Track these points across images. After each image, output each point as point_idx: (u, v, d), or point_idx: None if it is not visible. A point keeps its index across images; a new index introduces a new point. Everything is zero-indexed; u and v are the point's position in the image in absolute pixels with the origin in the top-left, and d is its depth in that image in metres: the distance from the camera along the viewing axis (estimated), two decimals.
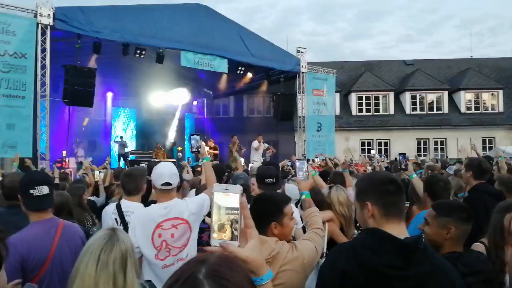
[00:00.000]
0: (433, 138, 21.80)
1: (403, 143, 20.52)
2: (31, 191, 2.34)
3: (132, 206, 3.23)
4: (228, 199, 1.02)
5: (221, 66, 11.68)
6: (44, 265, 2.22)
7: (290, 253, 1.90)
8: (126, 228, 3.15)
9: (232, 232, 1.02)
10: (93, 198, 5.02)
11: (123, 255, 1.72)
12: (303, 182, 2.80)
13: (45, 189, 2.38)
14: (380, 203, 1.60)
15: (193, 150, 3.55)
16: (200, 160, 3.55)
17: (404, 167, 4.45)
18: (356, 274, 1.45)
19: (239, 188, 1.04)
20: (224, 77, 14.33)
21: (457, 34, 77.79)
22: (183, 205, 2.87)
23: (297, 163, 3.09)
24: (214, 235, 1.03)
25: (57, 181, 5.20)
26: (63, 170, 8.96)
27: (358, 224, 2.95)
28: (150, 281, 2.39)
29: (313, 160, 11.29)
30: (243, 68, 12.83)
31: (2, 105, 8.17)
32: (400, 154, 4.59)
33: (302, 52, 13.87)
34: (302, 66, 13.79)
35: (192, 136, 3.60)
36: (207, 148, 12.32)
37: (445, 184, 3.26)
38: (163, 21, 10.42)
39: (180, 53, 10.73)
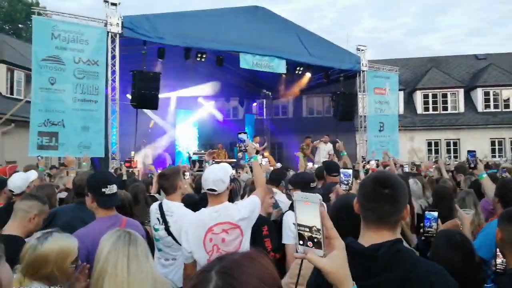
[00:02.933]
0: (510, 138, 20.12)
1: (474, 143, 19.14)
2: (103, 189, 2.55)
3: (172, 206, 3.34)
4: (308, 208, 1.03)
5: (280, 67, 11.71)
6: None
7: None
8: (167, 227, 3.28)
9: (316, 241, 1.01)
10: (157, 195, 5.29)
11: (145, 246, 1.87)
12: None
13: (114, 188, 2.59)
14: (361, 204, 1.52)
15: (241, 148, 3.47)
16: (249, 159, 3.52)
17: (473, 165, 4.08)
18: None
19: (317, 197, 1.03)
20: (283, 77, 14.34)
21: None
22: (234, 209, 2.85)
23: (342, 175, 2.95)
24: (300, 242, 1.04)
25: (124, 177, 5.53)
26: (131, 169, 9.52)
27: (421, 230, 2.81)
28: None
29: (368, 162, 10.88)
30: (301, 68, 12.77)
31: (78, 109, 8.85)
32: (469, 151, 4.14)
33: (362, 50, 13.49)
34: (362, 64, 13.41)
35: (239, 135, 3.49)
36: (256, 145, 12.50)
37: None
38: (222, 25, 10.67)
39: (239, 55, 10.92)
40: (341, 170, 2.94)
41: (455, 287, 1.37)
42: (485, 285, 2.11)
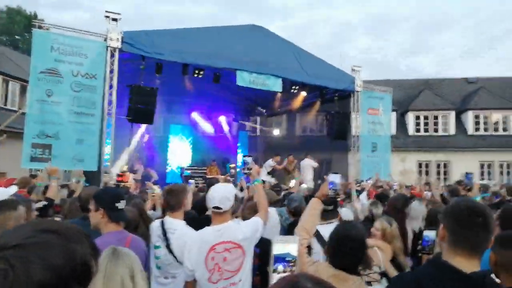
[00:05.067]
0: (499, 161, 20.43)
1: (464, 166, 19.36)
2: (116, 204, 2.58)
3: (174, 224, 3.33)
4: (287, 249, 1.11)
5: (276, 85, 11.83)
6: None
7: None
8: (168, 245, 3.26)
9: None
10: (151, 212, 5.26)
11: (128, 265, 1.78)
12: None
13: (124, 203, 2.62)
14: (451, 231, 1.55)
15: (245, 171, 3.60)
16: (252, 182, 3.58)
17: (469, 188, 4.15)
18: None
19: (296, 239, 1.11)
20: (278, 95, 14.48)
21: None
22: (237, 228, 2.86)
23: (330, 177, 2.95)
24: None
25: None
26: (123, 184, 9.46)
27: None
28: None
29: (360, 183, 10.95)
30: (297, 87, 12.90)
31: (74, 121, 8.84)
32: (466, 173, 4.22)
33: (357, 70, 13.72)
34: (357, 84, 13.61)
35: (244, 157, 3.67)
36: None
37: None
38: (220, 43, 10.82)
39: (236, 72, 11.03)
40: (330, 175, 2.95)
41: None
42: None
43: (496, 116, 20.95)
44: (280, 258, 1.40)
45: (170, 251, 3.25)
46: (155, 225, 3.45)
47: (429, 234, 2.79)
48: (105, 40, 9.23)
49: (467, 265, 1.48)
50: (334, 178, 2.90)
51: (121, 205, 2.59)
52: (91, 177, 9.14)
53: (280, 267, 1.39)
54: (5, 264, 0.82)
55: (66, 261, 0.87)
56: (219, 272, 2.74)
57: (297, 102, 15.10)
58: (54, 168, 4.55)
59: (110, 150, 9.64)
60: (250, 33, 11.60)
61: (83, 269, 0.90)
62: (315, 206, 2.75)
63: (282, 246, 1.39)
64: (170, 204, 3.41)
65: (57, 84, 8.63)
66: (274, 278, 1.25)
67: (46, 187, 4.37)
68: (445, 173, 20.68)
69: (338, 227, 2.43)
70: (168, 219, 3.39)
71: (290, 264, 1.39)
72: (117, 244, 2.46)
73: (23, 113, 9.37)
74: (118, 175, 10.99)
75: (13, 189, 4.37)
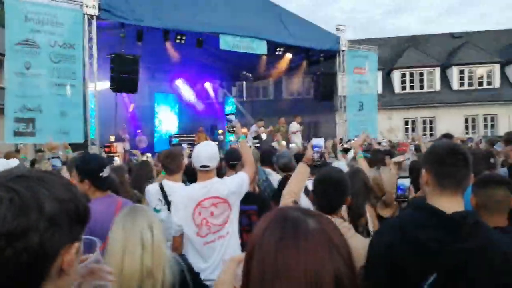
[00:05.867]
0: (483, 115, 20.77)
1: (450, 121, 19.70)
2: (101, 174, 2.59)
3: (174, 186, 3.40)
4: None
5: (260, 47, 11.65)
6: (107, 238, 2.42)
7: None
8: (170, 207, 3.34)
9: None
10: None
11: (146, 218, 1.84)
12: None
13: (107, 170, 2.63)
14: (434, 173, 1.60)
15: (229, 129, 3.56)
16: (236, 139, 3.60)
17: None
18: (402, 248, 1.47)
19: None
20: (263, 59, 14.28)
21: (505, 2, 72.71)
22: (223, 184, 2.96)
23: (314, 141, 3.01)
24: None
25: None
26: (111, 154, 9.42)
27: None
28: (183, 255, 2.54)
29: (348, 141, 11.07)
30: (282, 49, 12.72)
31: (54, 94, 8.63)
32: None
33: (341, 30, 13.53)
34: (342, 44, 13.47)
35: (227, 116, 3.61)
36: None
37: None
38: (201, 6, 10.51)
39: (219, 36, 10.80)
40: (314, 139, 3.01)
41: None
42: None
43: (480, 70, 21.08)
44: None
45: None
46: (153, 189, 3.51)
47: (404, 181, 2.94)
48: (81, 7, 8.88)
49: (452, 205, 1.53)
50: (318, 142, 2.95)
51: (105, 173, 2.60)
52: (79, 149, 9.08)
53: None
54: (8, 192, 0.79)
55: (70, 197, 0.87)
56: (207, 226, 2.87)
57: (283, 64, 14.94)
58: (54, 144, 4.56)
59: (95, 121, 9.52)
60: None
61: (83, 209, 0.90)
62: (301, 170, 2.82)
63: None
64: (169, 168, 3.48)
65: (35, 56, 8.34)
66: None
67: (33, 162, 4.34)
68: (431, 129, 20.99)
69: (320, 171, 2.48)
70: (166, 182, 3.45)
71: None
72: (107, 209, 2.50)
73: (2, 88, 9.12)
74: (105, 146, 10.95)
75: (15, 161, 4.33)
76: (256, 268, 0.81)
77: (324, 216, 0.89)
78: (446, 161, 1.57)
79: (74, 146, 8.79)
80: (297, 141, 12.87)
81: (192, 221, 2.86)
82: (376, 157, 4.42)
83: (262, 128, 12.68)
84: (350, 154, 6.90)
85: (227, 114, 3.63)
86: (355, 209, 2.83)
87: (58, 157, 4.37)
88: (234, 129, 3.48)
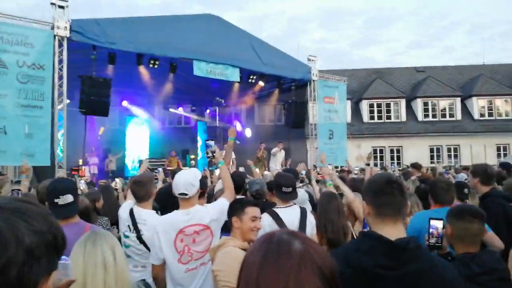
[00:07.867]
0: (446, 145, 21.62)
1: (416, 150, 20.40)
2: (56, 200, 2.45)
3: (144, 214, 3.31)
4: None
5: (233, 75, 11.79)
6: None
7: None
8: (139, 235, 3.27)
9: None
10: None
11: (109, 243, 1.77)
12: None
13: (69, 198, 2.49)
14: (374, 203, 1.68)
15: (208, 155, 3.57)
16: (215, 165, 3.60)
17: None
18: (351, 275, 1.50)
19: None
20: (236, 85, 14.45)
21: (468, 39, 77.38)
22: (204, 211, 2.94)
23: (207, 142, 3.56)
24: None
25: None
26: (79, 178, 9.12)
27: None
28: (144, 280, 2.46)
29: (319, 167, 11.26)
30: (254, 77, 12.93)
31: (20, 115, 8.36)
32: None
33: (313, 60, 13.94)
34: (313, 74, 13.84)
35: (207, 141, 3.61)
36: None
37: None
38: (175, 32, 10.58)
39: (193, 62, 10.87)
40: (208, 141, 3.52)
41: (457, 279, 1.57)
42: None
43: (443, 103, 22.10)
44: None
45: (142, 242, 3.25)
46: (123, 215, 3.41)
47: (436, 223, 2.80)
48: (52, 28, 8.77)
49: (394, 231, 1.60)
50: (210, 143, 3.49)
51: (62, 200, 2.44)
52: (45, 172, 8.74)
53: None
54: None
55: (49, 228, 0.84)
56: (189, 253, 2.83)
57: (255, 92, 15.17)
58: (27, 166, 4.48)
59: (63, 144, 9.25)
60: (206, 22, 11.44)
61: (61, 238, 0.88)
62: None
63: None
64: (139, 195, 3.36)
65: (1, 76, 8.11)
66: None
67: None
68: (398, 157, 21.60)
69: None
70: (137, 209, 3.35)
71: None
72: (75, 237, 2.40)
73: None
74: (73, 169, 10.62)
75: None
76: (242, 285, 0.85)
77: (311, 239, 0.93)
78: (384, 190, 1.66)
79: (41, 169, 8.53)
80: (274, 166, 13.04)
81: (174, 248, 2.81)
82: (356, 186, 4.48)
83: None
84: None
85: (207, 140, 3.64)
86: (331, 234, 2.92)
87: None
88: (214, 154, 3.49)
